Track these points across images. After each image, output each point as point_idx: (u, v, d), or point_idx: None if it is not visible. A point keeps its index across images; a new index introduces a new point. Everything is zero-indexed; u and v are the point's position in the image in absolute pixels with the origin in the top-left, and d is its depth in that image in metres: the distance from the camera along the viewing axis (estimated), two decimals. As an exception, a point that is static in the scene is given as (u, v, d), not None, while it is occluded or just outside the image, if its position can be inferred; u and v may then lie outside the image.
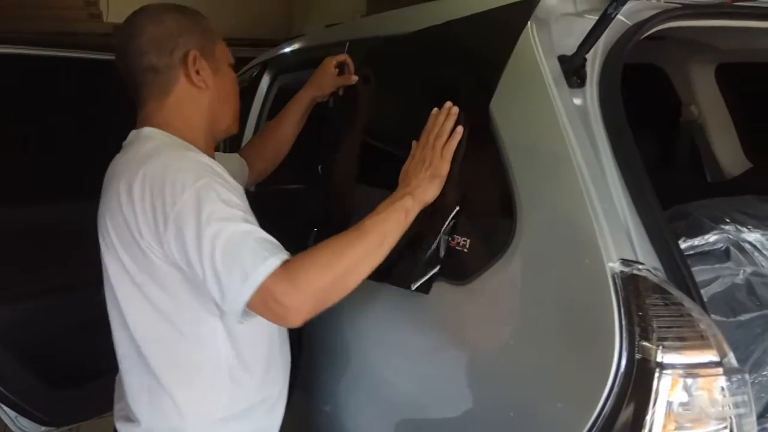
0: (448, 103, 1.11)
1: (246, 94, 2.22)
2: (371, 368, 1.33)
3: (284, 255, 0.93)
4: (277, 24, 5.33)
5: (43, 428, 2.01)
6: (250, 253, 0.91)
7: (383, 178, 1.21)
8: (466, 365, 1.06)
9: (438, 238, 1.10)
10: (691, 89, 2.06)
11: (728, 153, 2.08)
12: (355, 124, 1.52)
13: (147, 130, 1.08)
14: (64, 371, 1.97)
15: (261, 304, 0.91)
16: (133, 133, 1.10)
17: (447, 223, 1.10)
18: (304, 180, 2.44)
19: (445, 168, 1.08)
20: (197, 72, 1.10)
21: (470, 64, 1.15)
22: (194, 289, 1.00)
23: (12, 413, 1.92)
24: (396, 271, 1.16)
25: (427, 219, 1.10)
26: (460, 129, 1.08)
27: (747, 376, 0.80)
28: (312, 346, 1.55)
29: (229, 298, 0.91)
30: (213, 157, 1.14)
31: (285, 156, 1.58)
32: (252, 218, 0.98)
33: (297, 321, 0.93)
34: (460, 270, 1.07)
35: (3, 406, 1.89)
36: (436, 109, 1.12)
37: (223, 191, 0.96)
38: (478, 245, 1.06)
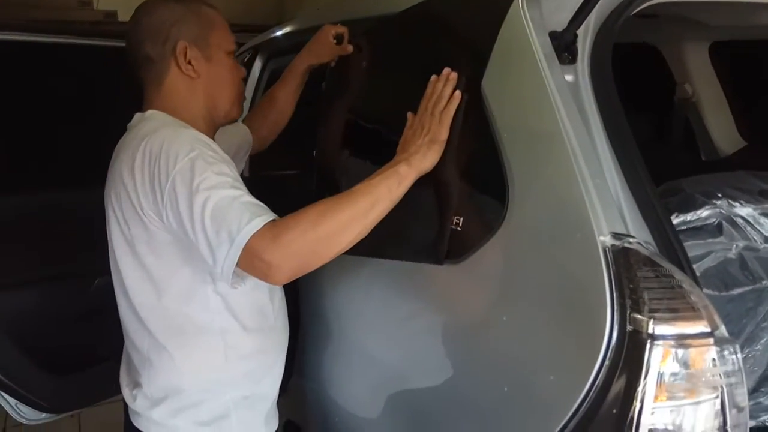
0: (447, 69, 1.09)
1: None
2: (367, 348, 1.34)
3: (269, 216, 0.96)
4: (269, 9, 5.30)
5: (44, 415, 2.02)
6: (235, 216, 0.94)
7: (375, 160, 1.21)
8: (461, 342, 1.07)
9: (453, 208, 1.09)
10: (685, 67, 2.06)
11: (722, 131, 2.09)
12: (348, 107, 1.52)
13: (150, 112, 1.15)
14: (65, 358, 1.98)
15: (248, 263, 0.95)
16: (137, 115, 1.17)
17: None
18: (298, 166, 2.44)
19: (444, 133, 1.07)
20: (189, 62, 1.15)
21: (460, 41, 1.15)
22: (190, 257, 1.05)
23: (12, 400, 1.93)
24: (424, 247, 1.15)
25: (442, 190, 1.11)
26: (458, 94, 1.07)
27: (738, 347, 0.81)
28: (308, 330, 1.57)
29: (219, 261, 0.95)
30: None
31: (286, 123, 1.64)
32: (242, 186, 1.01)
33: (281, 278, 0.97)
34: (454, 248, 1.08)
35: (3, 393, 1.90)
36: (434, 76, 1.11)
37: (213, 162, 1.00)
38: (472, 223, 1.06)
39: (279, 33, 2.15)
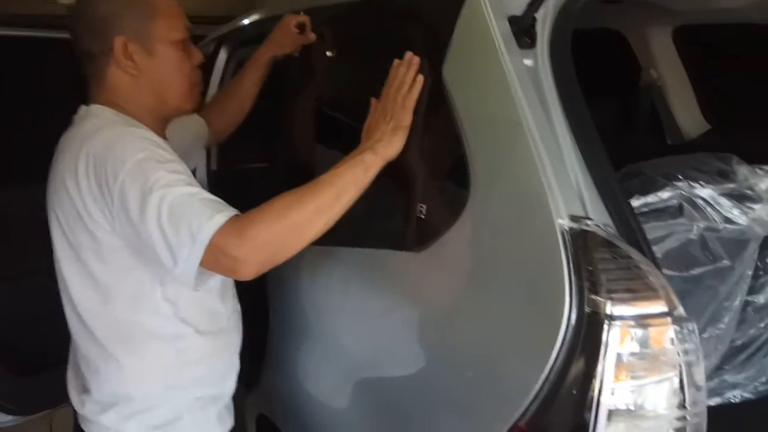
0: (409, 54, 1.08)
1: (202, 71, 2.16)
2: (336, 339, 1.33)
3: (231, 211, 0.93)
4: (237, 1, 5.23)
5: (11, 418, 1.97)
6: (195, 213, 0.91)
7: (342, 148, 1.20)
8: (426, 331, 1.07)
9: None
10: (650, 52, 2.08)
11: (687, 115, 2.11)
12: (313, 95, 1.51)
13: (95, 108, 1.09)
14: (30, 358, 1.93)
15: (212, 260, 0.92)
16: (82, 108, 1.11)
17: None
18: (267, 159, 2.42)
19: (407, 119, 1.06)
20: (130, 58, 1.07)
21: (421, 26, 1.14)
22: (138, 263, 1.02)
23: (-23, 404, 1.89)
24: (391, 235, 1.15)
25: (406, 177, 1.10)
26: (420, 78, 1.06)
27: (695, 325, 0.82)
28: (277, 323, 1.55)
29: (181, 261, 0.92)
30: (164, 136, 1.14)
31: (245, 116, 1.59)
32: (197, 184, 0.98)
33: (248, 273, 0.94)
34: (419, 236, 1.07)
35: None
36: (397, 61, 1.09)
37: (164, 160, 0.96)
38: (435, 211, 1.06)
39: (245, 21, 2.11)
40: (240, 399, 1.76)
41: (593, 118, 0.97)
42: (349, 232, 1.15)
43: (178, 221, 0.91)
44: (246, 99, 1.56)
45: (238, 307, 1.24)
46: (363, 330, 1.25)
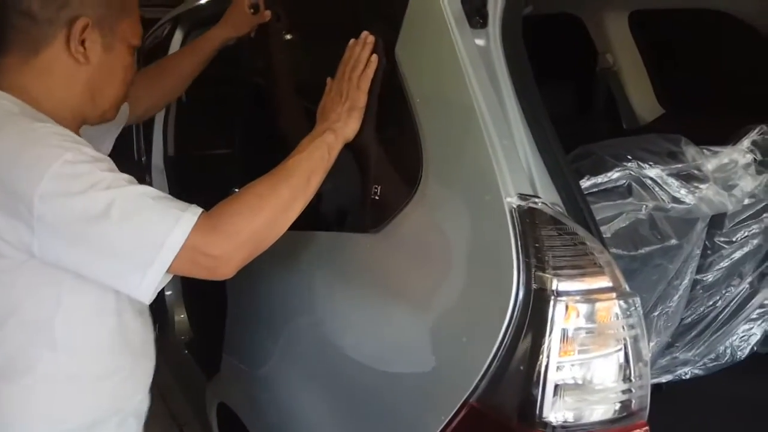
0: (365, 33, 1.07)
1: (156, 55, 2.11)
2: (294, 325, 1.32)
3: (196, 208, 0.87)
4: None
5: None
6: (157, 215, 0.83)
7: (300, 128, 1.19)
8: (382, 311, 1.07)
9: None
10: (606, 37, 2.10)
11: (642, 99, 2.16)
12: (267, 78, 1.49)
13: None
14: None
15: (187, 262, 0.84)
16: None
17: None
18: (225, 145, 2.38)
19: (362, 99, 1.05)
20: (82, 43, 0.93)
21: (374, 4, 1.13)
22: (47, 278, 0.89)
23: None
24: (348, 217, 1.14)
25: (360, 158, 1.10)
26: (375, 58, 1.05)
27: (639, 300, 0.84)
28: (235, 309, 1.54)
29: (140, 270, 0.82)
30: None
31: (175, 98, 1.47)
32: (135, 181, 0.87)
33: (228, 272, 0.89)
34: (373, 217, 1.07)
35: None
36: (352, 40, 1.08)
37: (94, 159, 0.85)
38: (389, 191, 1.05)
39: (200, 2, 2.06)
40: (200, 387, 1.75)
41: (551, 103, 0.98)
42: (306, 215, 1.14)
43: (138, 226, 0.82)
44: (184, 79, 1.44)
45: (151, 333, 1.11)
46: (321, 314, 1.24)
